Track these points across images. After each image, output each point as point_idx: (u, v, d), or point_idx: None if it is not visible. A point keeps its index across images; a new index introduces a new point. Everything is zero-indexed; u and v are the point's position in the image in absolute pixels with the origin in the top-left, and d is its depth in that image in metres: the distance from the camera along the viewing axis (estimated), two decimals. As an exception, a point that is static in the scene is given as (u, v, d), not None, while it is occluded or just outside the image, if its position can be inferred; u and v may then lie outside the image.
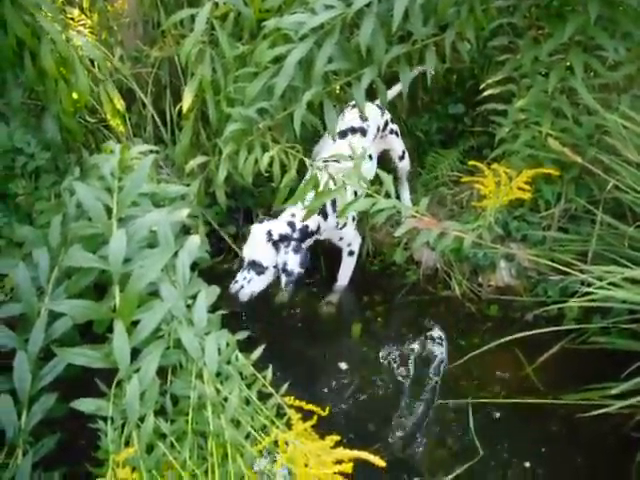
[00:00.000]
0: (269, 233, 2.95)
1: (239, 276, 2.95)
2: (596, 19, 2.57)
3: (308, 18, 2.61)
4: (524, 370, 2.78)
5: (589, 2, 2.58)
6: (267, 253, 2.94)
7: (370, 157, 3.36)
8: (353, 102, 3.32)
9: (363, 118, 3.31)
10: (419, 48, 2.76)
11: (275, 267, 2.95)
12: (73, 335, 2.14)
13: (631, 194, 2.65)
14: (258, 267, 2.94)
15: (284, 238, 2.95)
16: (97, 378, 1.89)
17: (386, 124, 3.50)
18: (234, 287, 2.93)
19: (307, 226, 3.02)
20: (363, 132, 3.33)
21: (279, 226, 2.98)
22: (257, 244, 2.96)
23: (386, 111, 3.51)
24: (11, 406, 1.92)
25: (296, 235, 2.99)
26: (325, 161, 2.98)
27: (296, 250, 2.93)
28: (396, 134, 3.59)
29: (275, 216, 3.11)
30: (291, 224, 3.00)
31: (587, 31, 2.74)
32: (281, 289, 3.10)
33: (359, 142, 3.24)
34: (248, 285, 2.94)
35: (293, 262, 2.92)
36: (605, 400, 2.33)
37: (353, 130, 3.32)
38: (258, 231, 2.97)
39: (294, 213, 3.03)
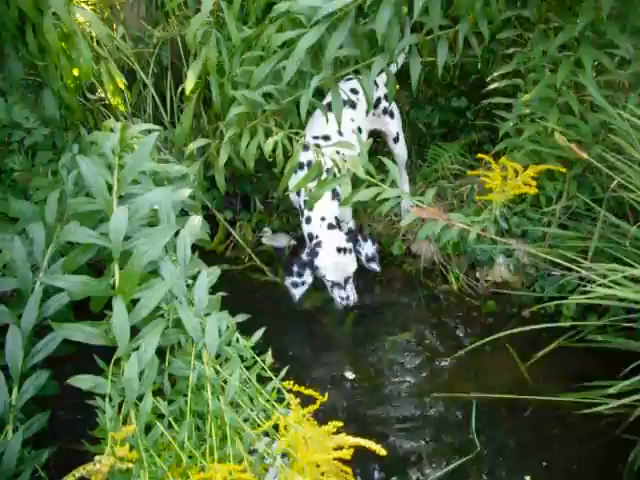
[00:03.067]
0: (341, 249, 2.97)
1: (346, 294, 3.01)
2: (607, 15, 2.56)
3: (323, 3, 2.57)
4: (520, 367, 2.77)
5: (603, -4, 2.57)
6: (354, 262, 3.00)
7: (360, 130, 3.26)
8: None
9: (355, 91, 3.23)
10: (431, 39, 2.74)
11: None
12: (67, 313, 2.11)
13: (635, 193, 2.63)
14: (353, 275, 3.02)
15: (353, 238, 3.01)
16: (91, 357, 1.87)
17: (379, 100, 3.36)
18: (350, 302, 3.02)
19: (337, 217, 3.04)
20: (353, 105, 3.23)
21: (337, 236, 2.97)
22: (347, 264, 2.99)
23: (382, 86, 3.27)
24: (2, 382, 1.90)
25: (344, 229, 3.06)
26: (315, 137, 3.03)
27: (365, 238, 3.08)
28: (390, 115, 3.46)
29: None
30: (331, 226, 3.00)
31: (598, 26, 2.73)
32: None
33: (348, 114, 3.16)
34: (354, 291, 3.04)
35: (369, 248, 3.07)
36: (600, 399, 2.32)
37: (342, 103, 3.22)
38: (335, 254, 2.96)
39: (322, 217, 3.01)
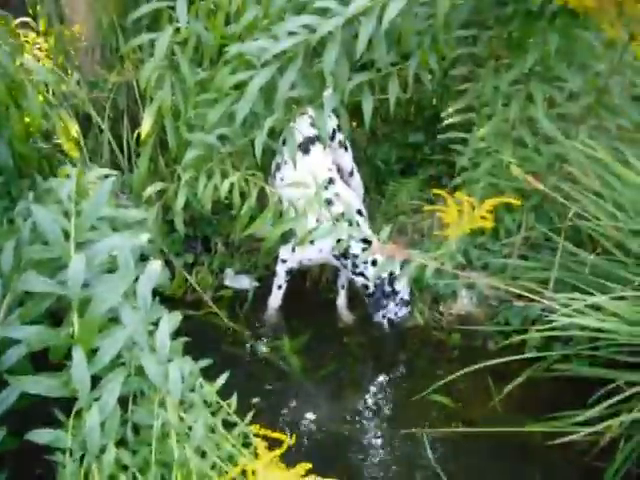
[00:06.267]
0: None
1: (410, 308, 3.18)
2: (555, 50, 2.63)
3: (271, 44, 2.59)
4: (488, 399, 2.77)
5: (549, 34, 2.64)
6: None
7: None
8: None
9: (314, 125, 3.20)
10: (382, 76, 2.77)
11: None
12: (25, 365, 2.05)
13: (592, 222, 2.67)
14: None
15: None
16: (50, 409, 1.81)
17: (334, 132, 3.38)
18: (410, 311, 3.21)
19: None
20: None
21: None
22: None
23: (334, 116, 3.32)
24: (-44, 441, 1.83)
25: None
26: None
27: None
28: (345, 148, 3.48)
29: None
30: None
31: (546, 62, 2.79)
32: None
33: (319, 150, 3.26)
34: None
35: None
36: (569, 428, 2.32)
37: (312, 140, 3.27)
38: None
39: None
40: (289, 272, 3.32)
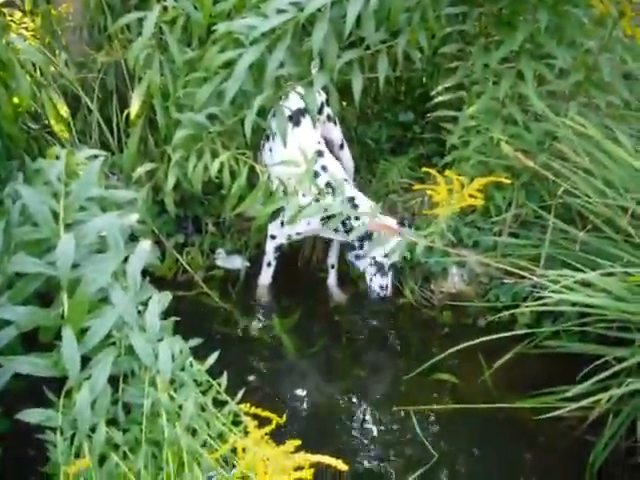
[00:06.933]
0: None
1: (386, 282, 3.12)
2: (545, 28, 2.62)
3: (260, 22, 2.57)
4: (478, 376, 2.79)
5: (539, 11, 2.63)
6: None
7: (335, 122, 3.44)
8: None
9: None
10: (371, 54, 2.76)
11: None
12: (15, 346, 2.05)
13: (581, 199, 2.68)
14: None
15: None
16: (40, 391, 1.82)
17: (322, 106, 3.34)
18: (387, 292, 3.14)
19: None
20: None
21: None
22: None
23: (321, 91, 3.24)
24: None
25: None
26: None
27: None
28: (334, 122, 3.46)
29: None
30: None
31: (536, 39, 2.79)
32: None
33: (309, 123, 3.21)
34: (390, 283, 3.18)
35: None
36: (558, 403, 2.34)
37: (302, 112, 3.24)
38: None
39: None
40: (278, 248, 3.31)
